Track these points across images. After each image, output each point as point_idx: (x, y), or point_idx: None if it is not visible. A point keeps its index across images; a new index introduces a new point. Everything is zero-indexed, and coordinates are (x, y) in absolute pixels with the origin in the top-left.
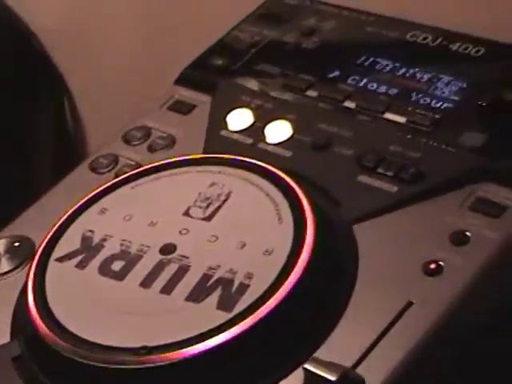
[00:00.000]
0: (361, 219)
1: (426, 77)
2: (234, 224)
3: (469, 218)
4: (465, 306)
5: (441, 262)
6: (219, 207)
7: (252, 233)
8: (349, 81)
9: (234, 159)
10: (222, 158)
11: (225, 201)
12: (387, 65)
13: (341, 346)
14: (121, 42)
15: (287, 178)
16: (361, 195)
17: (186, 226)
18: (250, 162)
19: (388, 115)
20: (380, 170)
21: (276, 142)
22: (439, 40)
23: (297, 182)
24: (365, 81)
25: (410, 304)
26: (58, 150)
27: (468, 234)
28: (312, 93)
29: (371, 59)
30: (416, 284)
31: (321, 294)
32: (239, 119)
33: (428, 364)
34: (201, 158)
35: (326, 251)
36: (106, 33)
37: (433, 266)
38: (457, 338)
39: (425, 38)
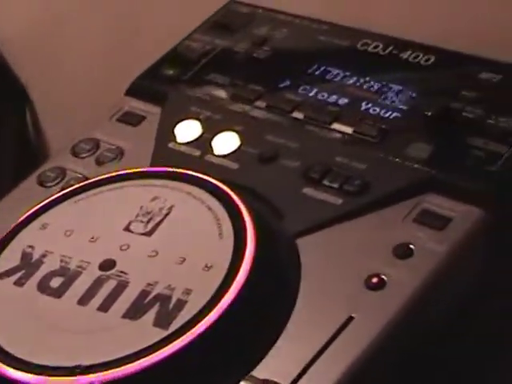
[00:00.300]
0: (305, 232)
1: (376, 86)
2: (174, 239)
3: (413, 231)
4: (408, 319)
5: (383, 276)
6: (160, 222)
7: (192, 248)
8: (299, 90)
9: (177, 172)
10: (165, 172)
11: (166, 215)
12: (338, 74)
13: (280, 362)
14: (83, 52)
15: (229, 192)
16: (305, 208)
17: (127, 242)
18: (193, 176)
19: (336, 126)
20: (325, 182)
21: (223, 153)
22: (390, 48)
23: (239, 196)
24: (315, 90)
25: (350, 319)
26: (19, 160)
27: (412, 246)
28: (261, 103)
29: (322, 68)
30: (358, 298)
31: (260, 309)
32: (187, 131)
33: (369, 378)
34: (143, 172)
35: (267, 266)
36: (67, 43)
37: (375, 280)
38: (400, 350)
39: (376, 47)
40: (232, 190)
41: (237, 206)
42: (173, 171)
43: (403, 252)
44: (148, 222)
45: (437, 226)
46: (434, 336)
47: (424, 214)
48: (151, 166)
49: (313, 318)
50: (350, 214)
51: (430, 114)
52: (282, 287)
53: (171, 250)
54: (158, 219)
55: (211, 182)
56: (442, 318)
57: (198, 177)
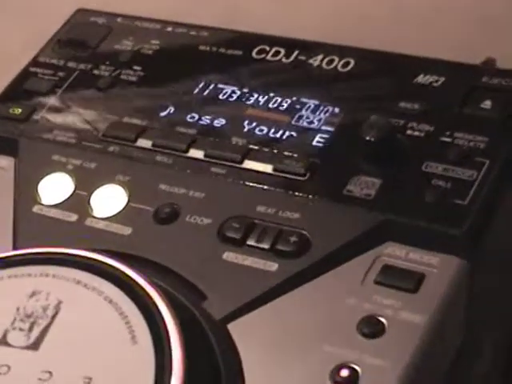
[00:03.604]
0: (235, 315)
1: (285, 103)
2: (71, 350)
3: (378, 297)
4: None
5: (354, 365)
6: (48, 326)
7: (98, 361)
8: (187, 119)
9: (55, 253)
10: (39, 254)
11: (54, 316)
12: (234, 92)
13: None
14: None
15: (132, 274)
16: (231, 281)
17: (5, 362)
18: (79, 256)
19: (248, 164)
20: (251, 243)
21: (108, 215)
22: (295, 54)
23: (150, 283)
24: (209, 117)
25: None
26: None
27: (382, 319)
28: (145, 142)
29: (211, 86)
30: None
31: None
32: (54, 188)
33: None
34: (9, 257)
35: (201, 376)
36: None
37: (345, 372)
38: None
39: (276, 53)
40: (134, 269)
41: (149, 296)
42: (48, 252)
43: (372, 328)
44: (30, 329)
45: (408, 288)
46: None
47: (387, 272)
48: (14, 243)
49: None
50: (292, 283)
51: (372, 139)
52: None
53: (70, 368)
54: (43, 324)
55: (105, 263)
56: None
57: (85, 257)
